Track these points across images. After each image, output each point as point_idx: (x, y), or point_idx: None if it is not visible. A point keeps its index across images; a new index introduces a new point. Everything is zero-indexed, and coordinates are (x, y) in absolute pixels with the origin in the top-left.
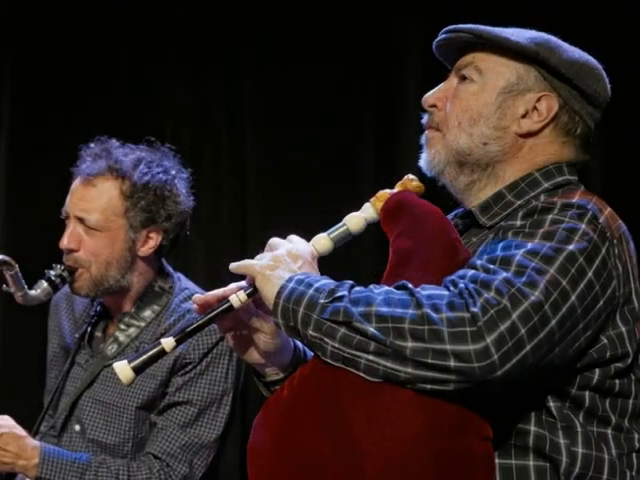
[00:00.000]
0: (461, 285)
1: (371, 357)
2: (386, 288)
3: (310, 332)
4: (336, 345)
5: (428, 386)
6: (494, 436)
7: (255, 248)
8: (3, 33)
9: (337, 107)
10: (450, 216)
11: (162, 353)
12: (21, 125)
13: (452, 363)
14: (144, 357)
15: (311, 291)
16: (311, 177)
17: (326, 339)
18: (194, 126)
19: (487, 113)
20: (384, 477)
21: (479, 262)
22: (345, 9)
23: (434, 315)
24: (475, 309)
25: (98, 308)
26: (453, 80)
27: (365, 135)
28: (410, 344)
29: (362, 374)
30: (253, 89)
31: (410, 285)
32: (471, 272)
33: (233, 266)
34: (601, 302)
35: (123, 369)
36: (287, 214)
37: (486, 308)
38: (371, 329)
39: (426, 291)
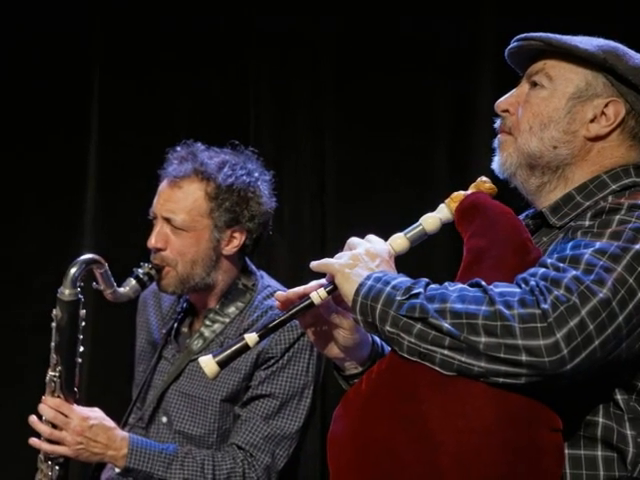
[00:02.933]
0: (532, 283)
1: (446, 352)
2: (460, 285)
3: (387, 328)
4: (412, 340)
5: (500, 379)
6: (564, 427)
7: (335, 247)
8: (91, 37)
9: (413, 111)
10: (522, 216)
11: (245, 348)
12: (110, 128)
13: (524, 357)
14: (228, 352)
15: (388, 288)
16: (388, 179)
17: (403, 334)
18: (276, 130)
19: (557, 118)
20: (458, 467)
21: (549, 261)
22: (420, 17)
23: (506, 311)
24: (546, 306)
25: (184, 305)
26: (524, 86)
27: (440, 139)
28: (483, 339)
29: (437, 368)
30: (333, 94)
31: (483, 283)
32: (542, 270)
33: (314, 264)
34: None
35: (208, 363)
36: (365, 214)
37: (556, 305)
38: (446, 325)
39: (499, 288)
